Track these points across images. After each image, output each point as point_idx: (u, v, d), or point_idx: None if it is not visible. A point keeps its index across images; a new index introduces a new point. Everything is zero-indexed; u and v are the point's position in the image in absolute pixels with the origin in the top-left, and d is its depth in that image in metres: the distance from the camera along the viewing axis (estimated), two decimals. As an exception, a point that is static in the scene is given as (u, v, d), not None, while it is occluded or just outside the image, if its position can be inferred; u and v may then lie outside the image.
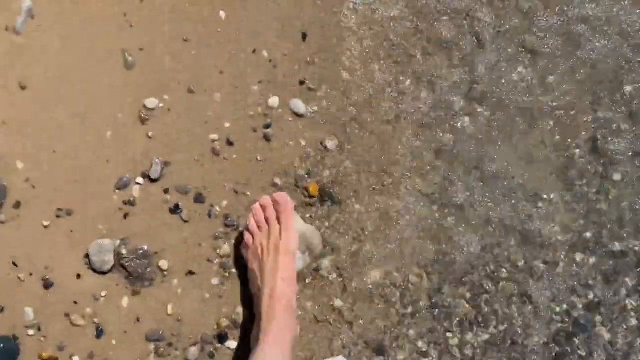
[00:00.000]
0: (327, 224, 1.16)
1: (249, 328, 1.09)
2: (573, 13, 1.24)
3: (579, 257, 1.19)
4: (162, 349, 1.09)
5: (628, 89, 1.23)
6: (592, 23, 1.24)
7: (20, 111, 1.09)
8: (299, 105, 1.17)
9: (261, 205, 1.10)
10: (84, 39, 1.13)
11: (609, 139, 1.21)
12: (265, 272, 1.06)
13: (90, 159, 1.11)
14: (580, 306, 1.17)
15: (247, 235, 1.11)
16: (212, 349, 1.11)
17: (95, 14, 1.13)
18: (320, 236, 1.14)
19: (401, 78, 1.20)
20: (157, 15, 1.15)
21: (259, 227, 1.10)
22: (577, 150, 1.21)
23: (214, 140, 1.14)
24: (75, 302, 1.08)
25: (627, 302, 1.18)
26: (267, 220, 1.09)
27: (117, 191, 1.11)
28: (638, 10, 1.25)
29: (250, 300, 1.11)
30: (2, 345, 1.04)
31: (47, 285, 1.08)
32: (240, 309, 1.12)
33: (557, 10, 1.24)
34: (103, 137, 1.11)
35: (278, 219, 1.09)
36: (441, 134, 1.19)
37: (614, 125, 1.22)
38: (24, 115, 1.09)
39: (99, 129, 1.11)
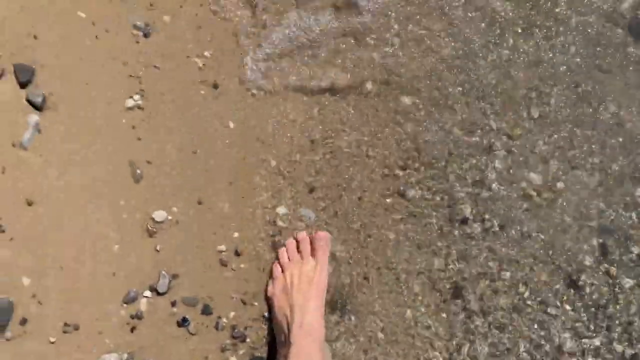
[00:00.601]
0: (336, 333, 1.15)
1: None
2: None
3: (589, 361, 1.19)
4: None
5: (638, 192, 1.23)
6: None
7: (27, 227, 1.08)
8: (308, 213, 1.16)
9: (296, 240, 1.12)
10: (92, 152, 1.12)
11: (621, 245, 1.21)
12: (295, 306, 1.05)
13: (98, 273, 1.10)
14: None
15: (276, 268, 1.11)
16: None
17: (103, 128, 1.12)
18: (329, 348, 1.13)
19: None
20: (165, 127, 1.15)
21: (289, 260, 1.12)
22: (587, 257, 1.20)
23: (221, 251, 1.13)
24: (82, 419, 1.08)
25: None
26: (299, 253, 1.12)
27: (124, 305, 1.10)
28: None
29: None
30: None
31: (53, 402, 1.07)
32: None
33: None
34: (110, 251, 1.10)
35: (312, 255, 1.11)
36: (449, 249, 1.19)
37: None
38: (31, 231, 1.08)
39: (106, 243, 1.10)
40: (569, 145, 1.22)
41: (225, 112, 1.17)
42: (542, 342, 1.17)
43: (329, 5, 1.20)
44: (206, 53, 1.17)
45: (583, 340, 1.18)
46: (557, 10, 1.25)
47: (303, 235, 1.13)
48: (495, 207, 1.20)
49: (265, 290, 1.13)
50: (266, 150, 1.17)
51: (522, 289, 1.18)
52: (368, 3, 1.21)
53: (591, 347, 1.18)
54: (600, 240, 1.21)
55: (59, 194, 1.10)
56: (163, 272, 1.11)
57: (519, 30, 1.24)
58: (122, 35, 1.14)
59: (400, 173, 1.19)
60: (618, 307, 1.20)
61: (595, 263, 1.20)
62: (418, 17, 1.22)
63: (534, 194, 1.20)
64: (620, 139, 1.22)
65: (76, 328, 1.09)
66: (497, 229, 1.19)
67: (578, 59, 1.24)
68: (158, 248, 1.11)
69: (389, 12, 1.22)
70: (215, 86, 1.16)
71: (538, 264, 1.19)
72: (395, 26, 1.21)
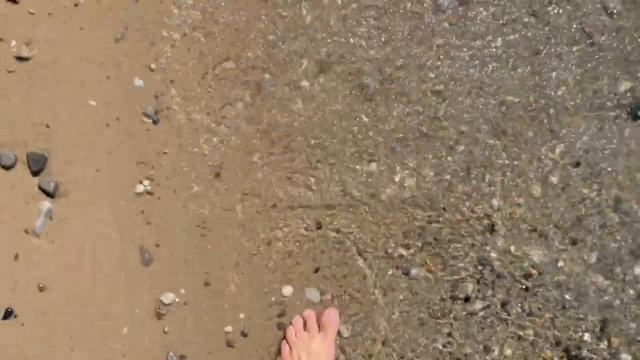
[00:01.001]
0: (341, 410, 1.17)
1: None
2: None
3: None
4: None
5: (638, 270, 1.24)
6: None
7: (38, 312, 1.10)
8: (313, 293, 1.18)
9: (303, 318, 1.15)
10: (103, 237, 1.14)
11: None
12: None
13: (107, 355, 1.12)
14: None
15: (284, 347, 1.13)
16: None
17: (113, 213, 1.15)
18: None
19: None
20: (174, 212, 1.17)
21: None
22: (587, 333, 1.22)
23: (228, 332, 1.15)
24: None
25: None
26: (306, 330, 1.14)
27: (133, 386, 1.12)
28: None
29: None
30: None
31: None
32: None
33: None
34: (119, 333, 1.12)
35: (320, 331, 1.13)
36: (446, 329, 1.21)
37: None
38: (43, 317, 1.10)
39: (116, 325, 1.12)
40: (569, 223, 1.24)
41: (232, 196, 1.19)
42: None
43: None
44: (214, 139, 1.20)
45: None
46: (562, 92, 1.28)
47: (310, 313, 1.16)
48: (497, 285, 1.22)
49: None
50: (272, 231, 1.20)
51: (523, 366, 1.20)
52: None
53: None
54: (600, 316, 1.22)
55: (70, 279, 1.12)
56: (171, 354, 1.13)
57: (525, 119, 1.27)
58: (132, 123, 1.17)
59: (404, 252, 1.21)
60: (618, 382, 1.22)
61: (594, 338, 1.22)
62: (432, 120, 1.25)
63: (535, 272, 1.22)
64: (619, 218, 1.25)
65: (86, 410, 1.11)
66: (499, 306, 1.21)
67: (578, 139, 1.26)
68: (166, 330, 1.14)
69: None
70: (218, 175, 1.19)
71: (539, 339, 1.21)
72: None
